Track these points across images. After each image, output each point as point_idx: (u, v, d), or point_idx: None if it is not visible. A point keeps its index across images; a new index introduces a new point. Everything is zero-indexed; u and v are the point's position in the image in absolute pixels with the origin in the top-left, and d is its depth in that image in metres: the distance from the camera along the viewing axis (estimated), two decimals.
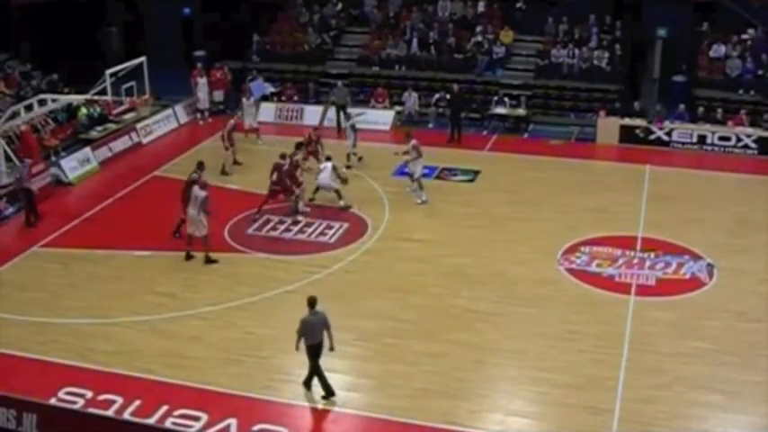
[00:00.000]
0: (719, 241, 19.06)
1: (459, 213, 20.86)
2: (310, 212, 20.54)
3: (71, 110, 26.30)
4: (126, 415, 12.94)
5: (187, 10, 34.75)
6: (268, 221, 20.23)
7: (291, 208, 20.40)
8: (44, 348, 14.88)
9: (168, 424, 12.74)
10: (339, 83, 28.43)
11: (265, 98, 29.50)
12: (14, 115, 22.76)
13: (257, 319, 15.91)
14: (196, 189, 17.84)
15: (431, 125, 27.76)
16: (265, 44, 31.99)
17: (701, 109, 26.25)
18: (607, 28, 29.96)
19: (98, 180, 23.61)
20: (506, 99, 28.09)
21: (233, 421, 12.89)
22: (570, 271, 17.80)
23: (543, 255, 18.40)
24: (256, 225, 20.04)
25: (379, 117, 27.92)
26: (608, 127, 26.28)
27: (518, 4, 31.13)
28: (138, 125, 26.69)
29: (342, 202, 20.81)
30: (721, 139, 25.47)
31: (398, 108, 28.45)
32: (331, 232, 19.65)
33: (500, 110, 27.98)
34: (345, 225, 19.98)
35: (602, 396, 13.52)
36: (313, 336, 13.19)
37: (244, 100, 26.57)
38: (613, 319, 15.89)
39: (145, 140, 26.55)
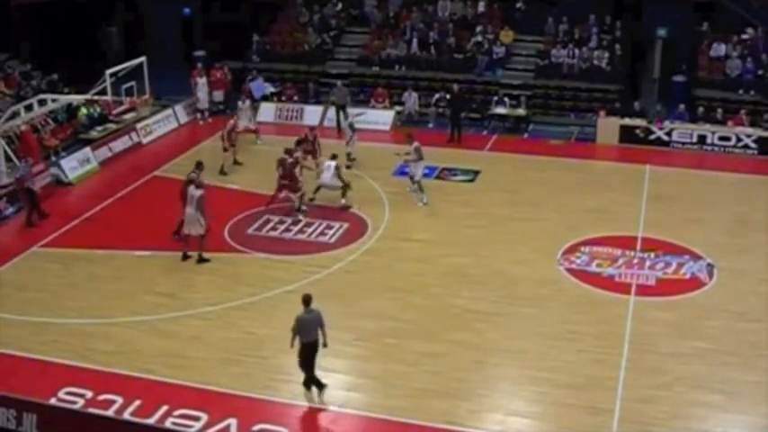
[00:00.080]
0: (719, 241, 19.06)
1: (459, 213, 20.86)
2: (309, 212, 20.53)
3: (71, 110, 26.30)
4: (126, 415, 12.94)
5: (187, 10, 34.76)
6: (268, 221, 20.23)
7: (292, 207, 20.43)
8: (44, 348, 14.88)
9: (168, 424, 12.74)
10: (339, 83, 28.43)
11: (265, 98, 29.53)
12: (14, 115, 22.75)
13: (257, 319, 15.92)
14: (192, 188, 17.85)
15: (431, 125, 27.75)
16: (265, 44, 31.99)
17: (700, 109, 26.25)
18: (607, 28, 29.96)
19: (98, 180, 23.62)
20: (506, 99, 28.08)
21: (233, 421, 12.88)
22: (570, 271, 17.80)
23: (543, 255, 18.40)
24: (256, 225, 20.04)
25: (379, 117, 27.92)
26: (608, 127, 26.28)
27: (518, 4, 31.12)
28: (138, 125, 26.69)
29: (343, 201, 20.82)
30: (721, 139, 25.47)
31: (398, 108, 28.44)
32: (331, 232, 19.65)
33: (500, 110, 27.98)
34: (345, 225, 19.98)
35: (602, 396, 13.52)
36: (308, 334, 13.19)
37: (239, 102, 26.56)
38: (613, 319, 15.89)
39: (145, 140, 26.55)
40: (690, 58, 28.93)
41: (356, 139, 23.75)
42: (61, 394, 13.45)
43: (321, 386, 13.45)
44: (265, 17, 33.39)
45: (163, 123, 27.67)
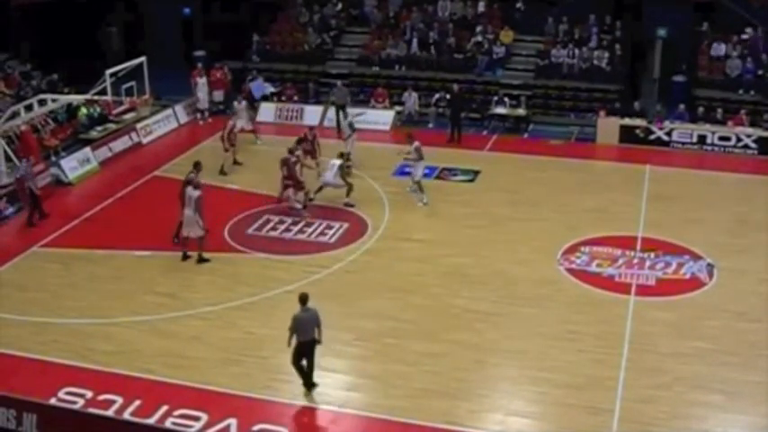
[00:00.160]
0: (719, 241, 19.06)
1: (459, 213, 20.86)
2: (308, 212, 20.56)
3: (71, 110, 26.30)
4: (126, 415, 12.94)
5: (187, 10, 34.75)
6: (268, 221, 20.23)
7: (292, 207, 20.45)
8: (44, 348, 14.88)
9: (168, 424, 12.74)
10: (339, 83, 28.43)
11: (265, 98, 29.54)
12: (14, 115, 22.76)
13: (257, 319, 15.91)
14: (190, 189, 17.85)
15: (431, 125, 27.75)
16: (265, 44, 31.99)
17: (701, 109, 26.25)
18: (607, 28, 29.96)
19: (98, 180, 23.62)
20: (506, 99, 28.08)
21: (233, 421, 12.88)
22: (570, 271, 17.80)
23: (543, 255, 18.40)
24: (256, 225, 20.04)
25: (379, 117, 27.92)
26: (608, 127, 26.28)
27: (518, 4, 31.12)
28: (138, 125, 26.69)
29: (347, 199, 20.84)
30: (721, 139, 25.47)
31: (398, 108, 28.44)
32: (331, 232, 19.65)
33: (500, 110, 27.97)
34: (345, 225, 19.98)
35: (602, 396, 13.52)
36: (305, 332, 13.22)
37: (235, 103, 26.56)
38: (613, 319, 15.89)
39: (145, 140, 26.55)
40: (690, 58, 28.93)
41: (355, 139, 23.72)
42: (61, 394, 13.44)
43: (311, 385, 13.50)
44: (265, 17, 33.38)
45: (163, 123, 27.67)
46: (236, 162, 23.82)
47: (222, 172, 23.13)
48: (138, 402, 13.24)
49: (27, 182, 20.51)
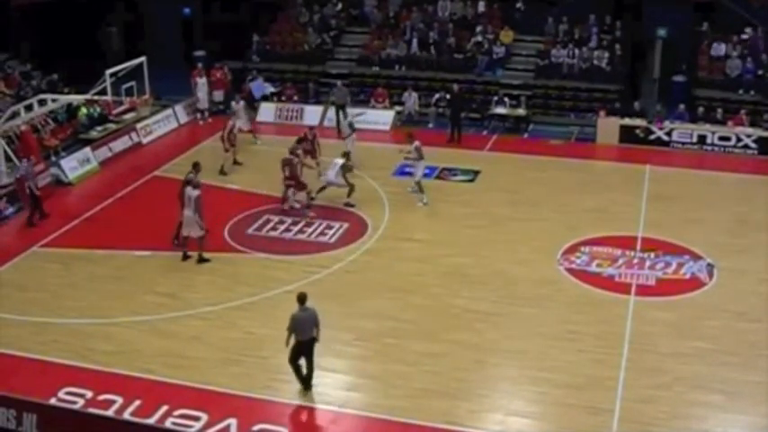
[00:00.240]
0: (719, 241, 19.06)
1: (459, 213, 20.86)
2: (301, 209, 20.59)
3: (71, 110, 26.30)
4: (126, 415, 12.94)
5: (187, 10, 34.75)
6: (268, 221, 20.24)
7: (292, 206, 20.46)
8: (44, 348, 14.88)
9: (168, 424, 12.74)
10: (339, 83, 28.44)
11: (265, 98, 29.55)
12: (14, 115, 22.77)
13: (257, 319, 15.91)
14: (189, 189, 17.85)
15: (431, 125, 27.75)
16: (265, 44, 31.99)
17: (701, 109, 26.25)
18: (607, 28, 29.96)
19: (98, 180, 23.62)
20: (506, 99, 28.08)
21: (233, 421, 12.88)
22: (570, 271, 17.80)
23: (543, 255, 18.40)
24: (256, 225, 20.04)
25: (379, 117, 27.92)
26: (608, 127, 26.28)
27: (518, 4, 31.12)
28: (138, 125, 26.69)
29: (349, 199, 20.86)
30: (721, 139, 25.47)
31: (398, 108, 28.44)
32: (331, 232, 19.65)
33: (500, 110, 27.97)
34: (345, 225, 19.98)
35: (602, 396, 13.52)
36: (303, 332, 13.24)
37: (233, 103, 26.55)
38: (613, 319, 15.88)
39: (145, 140, 26.55)
40: (690, 58, 28.93)
41: (354, 138, 23.70)
42: (61, 394, 13.44)
43: (308, 386, 13.52)
44: (265, 17, 33.38)
45: (163, 123, 27.67)
46: (236, 162, 23.83)
47: (222, 172, 23.13)
48: (138, 402, 13.24)
49: (28, 182, 20.51)
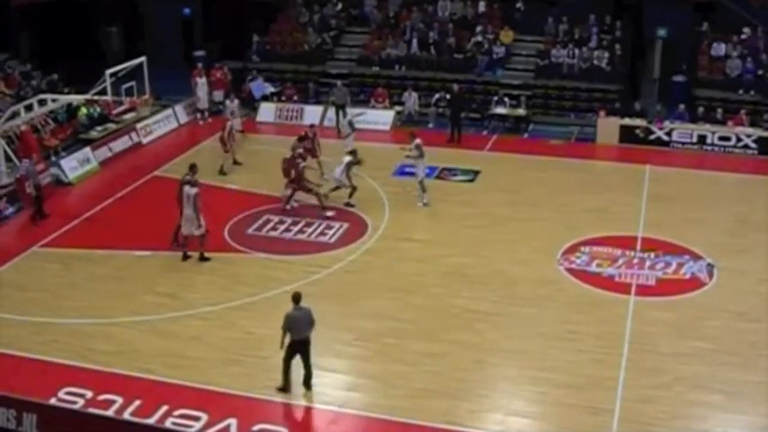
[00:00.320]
0: (719, 241, 19.06)
1: (459, 213, 20.86)
2: (298, 208, 20.63)
3: (71, 110, 26.30)
4: (126, 415, 12.94)
5: (187, 10, 34.76)
6: (268, 221, 20.24)
7: (287, 205, 20.47)
8: (44, 348, 14.88)
9: (168, 424, 12.74)
10: (339, 83, 28.45)
11: (265, 98, 29.55)
12: (14, 115, 22.77)
13: (257, 319, 15.91)
14: (187, 188, 17.85)
15: (431, 125, 27.75)
16: (265, 44, 31.99)
17: (701, 109, 26.25)
18: (607, 28, 29.96)
19: (98, 180, 23.62)
20: (506, 99, 28.08)
21: (233, 421, 12.88)
22: (570, 271, 17.80)
23: (543, 255, 18.40)
24: (256, 225, 20.04)
25: (379, 117, 27.93)
26: (608, 127, 26.28)
27: (518, 5, 31.12)
28: (138, 125, 26.69)
29: (350, 199, 20.85)
30: (721, 139, 25.47)
31: (398, 108, 28.45)
32: (331, 232, 19.65)
33: (500, 110, 27.98)
34: (345, 225, 19.98)
35: (602, 396, 13.52)
36: (298, 331, 13.24)
37: (227, 102, 26.56)
38: (613, 319, 15.88)
39: (145, 140, 26.55)
40: (690, 58, 28.93)
41: (353, 138, 23.67)
42: (61, 394, 13.44)
43: (285, 389, 13.48)
44: (265, 17, 33.38)
45: (163, 123, 27.67)
46: (235, 162, 23.82)
47: (222, 172, 23.13)
48: (138, 402, 13.24)
49: (30, 180, 20.51)
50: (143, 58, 23.23)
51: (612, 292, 16.91)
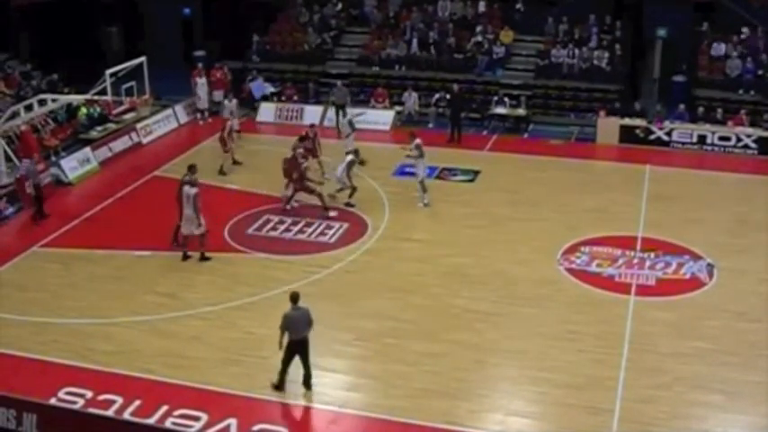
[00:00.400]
0: (719, 241, 19.06)
1: (459, 213, 20.86)
2: (298, 208, 20.62)
3: (71, 110, 26.30)
4: (126, 415, 12.94)
5: (187, 10, 34.76)
6: (268, 221, 20.23)
7: (286, 206, 20.46)
8: (44, 348, 14.88)
9: (168, 424, 12.74)
10: (339, 83, 28.45)
11: (265, 98, 29.55)
12: (14, 115, 22.77)
13: (257, 319, 15.90)
14: (187, 188, 17.86)
15: (431, 125, 27.75)
16: (265, 44, 31.99)
17: (701, 109, 26.25)
18: (607, 28, 29.96)
19: (98, 180, 23.62)
20: (506, 99, 28.08)
21: (233, 421, 12.88)
22: (570, 271, 17.80)
23: (543, 255, 18.40)
24: (256, 225, 20.04)
25: (379, 117, 27.93)
26: (608, 127, 26.28)
27: (518, 5, 31.12)
28: (138, 125, 26.69)
29: (350, 199, 20.86)
30: (721, 139, 25.47)
31: (398, 108, 28.45)
32: (331, 232, 19.65)
33: (500, 110, 27.98)
34: (345, 225, 19.98)
35: (602, 396, 13.52)
36: (297, 331, 13.24)
37: (225, 101, 26.55)
38: (613, 319, 15.88)
39: (145, 140, 26.55)
40: (690, 58, 28.93)
41: (353, 138, 23.66)
42: (61, 394, 13.44)
43: (279, 388, 13.49)
44: (265, 17, 33.38)
45: (163, 123, 27.67)
46: (235, 162, 23.81)
47: (222, 172, 23.12)
48: (138, 402, 13.24)
49: (30, 179, 20.51)
50: (143, 58, 23.23)
51: (612, 292, 16.91)
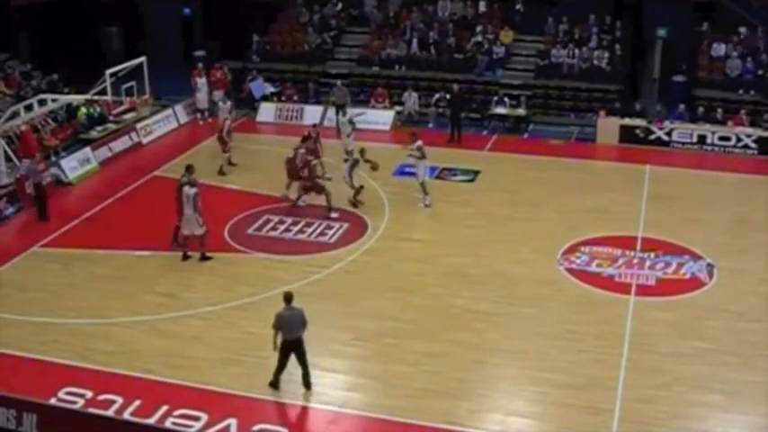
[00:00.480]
0: (719, 241, 19.06)
1: (459, 213, 20.86)
2: (302, 207, 20.63)
3: (71, 110, 26.30)
4: (126, 415, 12.94)
5: (187, 10, 34.77)
6: (268, 221, 20.23)
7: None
8: (44, 348, 14.88)
9: (168, 424, 12.74)
10: (339, 83, 28.46)
11: (265, 98, 29.55)
12: (14, 115, 22.77)
13: (257, 319, 15.86)
14: (186, 188, 17.86)
15: (431, 125, 27.74)
16: (265, 44, 31.99)
17: (701, 109, 26.25)
18: (607, 28, 29.96)
19: (98, 180, 23.62)
20: (506, 99, 28.08)
21: (233, 421, 12.88)
22: (570, 271, 17.79)
23: (543, 255, 18.40)
24: (256, 225, 20.04)
25: (379, 117, 27.92)
26: (608, 127, 26.28)
27: (518, 5, 31.12)
28: (138, 125, 26.69)
29: (353, 198, 20.83)
30: (721, 139, 25.47)
31: (398, 108, 28.45)
32: (331, 232, 19.64)
33: (500, 110, 27.98)
34: (345, 225, 19.97)
35: (602, 396, 13.52)
36: (290, 331, 13.23)
37: (220, 103, 26.54)
38: (613, 319, 15.88)
39: (145, 140, 26.55)
40: (690, 58, 28.94)
41: (353, 137, 23.65)
42: (61, 394, 13.44)
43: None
44: (265, 17, 33.38)
45: (163, 123, 27.67)
46: (230, 163, 23.73)
47: (221, 172, 23.11)
48: (138, 402, 13.24)
49: (30, 180, 20.50)
50: (143, 58, 23.22)
51: (612, 292, 16.91)
